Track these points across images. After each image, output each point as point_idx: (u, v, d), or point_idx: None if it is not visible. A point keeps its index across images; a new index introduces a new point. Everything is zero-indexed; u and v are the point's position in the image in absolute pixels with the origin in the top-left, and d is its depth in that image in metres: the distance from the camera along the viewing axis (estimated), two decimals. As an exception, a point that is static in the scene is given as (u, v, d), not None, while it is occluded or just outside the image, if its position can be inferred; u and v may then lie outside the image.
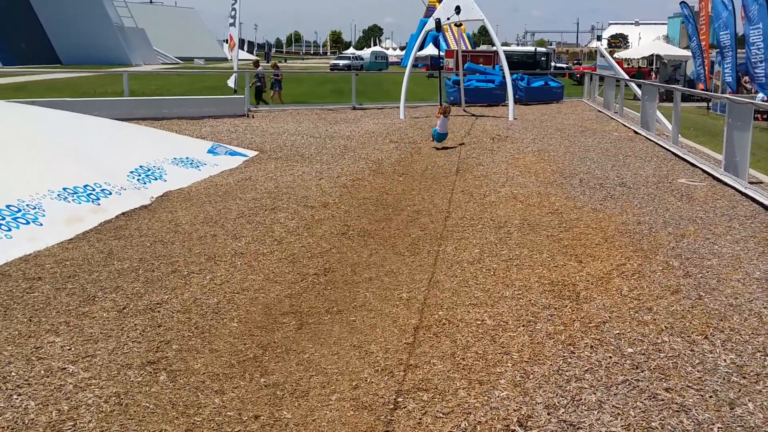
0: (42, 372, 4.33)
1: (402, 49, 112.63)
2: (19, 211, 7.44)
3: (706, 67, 26.58)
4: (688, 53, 34.05)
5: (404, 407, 3.91)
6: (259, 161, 12.06)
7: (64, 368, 4.39)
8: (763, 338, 4.78)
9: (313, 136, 15.32)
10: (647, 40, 64.72)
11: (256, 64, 24.38)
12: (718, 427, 3.64)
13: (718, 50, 24.89)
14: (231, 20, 23.00)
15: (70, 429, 3.67)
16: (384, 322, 5.17)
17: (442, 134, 13.94)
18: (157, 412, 3.87)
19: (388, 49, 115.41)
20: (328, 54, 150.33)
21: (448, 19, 19.69)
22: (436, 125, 14.10)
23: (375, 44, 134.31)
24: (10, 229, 7.04)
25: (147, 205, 8.69)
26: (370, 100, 24.23)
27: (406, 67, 21.91)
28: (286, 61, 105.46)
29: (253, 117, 18.87)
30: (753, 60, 19.94)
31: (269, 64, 24.88)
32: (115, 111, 16.27)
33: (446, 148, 13.69)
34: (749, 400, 3.92)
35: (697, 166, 11.57)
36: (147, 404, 3.95)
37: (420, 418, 3.78)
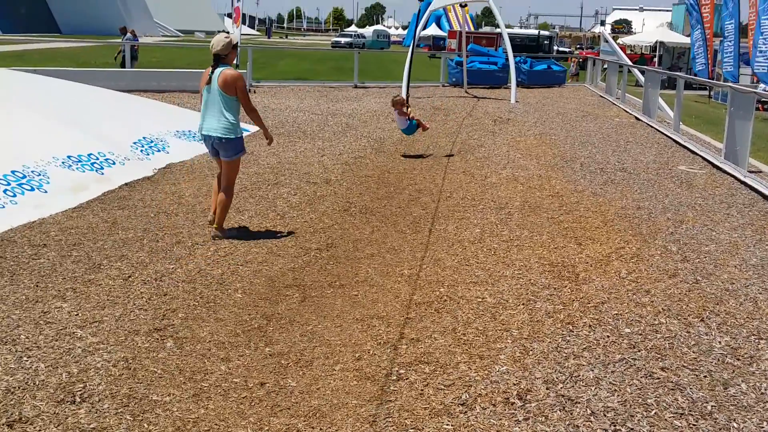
0: (51, 336, 4.41)
1: (404, 28, 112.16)
2: (24, 177, 7.49)
3: (709, 57, 26.55)
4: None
5: (407, 378, 4.00)
6: (261, 136, 12.07)
7: (73, 333, 4.47)
8: (758, 322, 4.87)
9: (314, 113, 15.35)
10: (651, 27, 64.52)
11: (123, 30, 22.95)
12: (712, 405, 3.74)
13: (721, 39, 24.87)
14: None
15: (80, 390, 3.76)
16: (386, 297, 5.26)
17: (402, 129, 11.20)
18: (164, 376, 3.96)
19: (390, 27, 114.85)
20: (330, 31, 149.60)
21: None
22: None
23: (377, 22, 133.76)
24: (15, 195, 7.11)
25: (150, 176, 8.75)
26: (372, 78, 24.21)
27: (408, 46, 21.90)
28: (287, 37, 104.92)
29: (254, 92, 18.86)
30: (760, 50, 19.91)
31: (129, 32, 22.73)
32: (117, 82, 16.25)
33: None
34: (742, 381, 4.02)
35: (697, 154, 11.65)
36: (155, 369, 4.04)
37: (422, 390, 3.87)
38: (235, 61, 22.75)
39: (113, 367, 4.03)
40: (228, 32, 6.60)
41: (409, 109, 11.05)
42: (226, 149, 6.40)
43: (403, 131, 11.24)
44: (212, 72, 6.31)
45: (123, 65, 20.97)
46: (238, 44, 6.49)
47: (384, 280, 5.62)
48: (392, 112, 11.61)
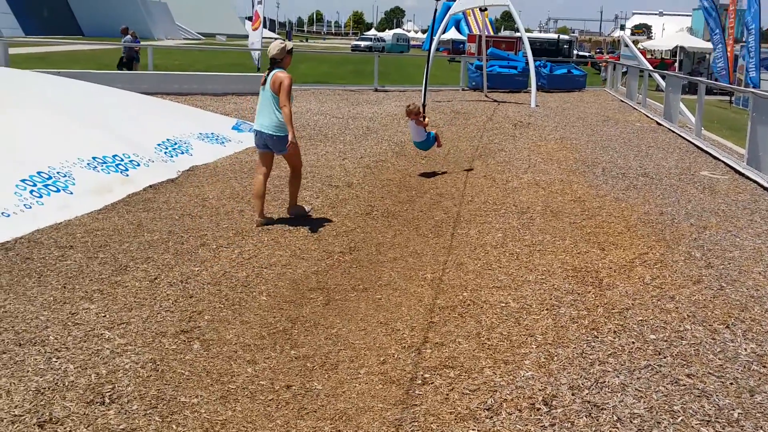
0: (79, 337, 4.47)
1: (423, 32, 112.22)
2: (50, 178, 7.57)
3: (729, 62, 26.37)
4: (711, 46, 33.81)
5: (431, 383, 4.02)
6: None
7: (101, 334, 4.52)
8: (784, 330, 4.85)
9: (335, 116, 15.41)
10: (671, 31, 64.19)
11: (125, 31, 22.28)
12: (738, 413, 3.73)
13: (742, 44, 24.71)
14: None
15: (109, 392, 3.81)
16: (409, 301, 5.28)
17: (417, 142, 10.01)
18: (192, 378, 4.00)
19: (409, 31, 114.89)
20: (350, 35, 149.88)
21: None
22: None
23: (397, 26, 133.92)
24: (41, 196, 7.19)
25: (174, 178, 8.82)
26: (392, 82, 24.24)
27: (427, 50, 21.92)
28: (307, 41, 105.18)
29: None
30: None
31: (130, 33, 21.95)
32: (140, 85, 16.38)
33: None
34: (769, 389, 4.00)
35: (719, 159, 11.57)
36: (182, 371, 4.08)
37: (447, 394, 3.89)
38: (257, 64, 22.82)
39: (141, 369, 4.08)
40: (283, 39, 7.41)
41: (427, 120, 9.86)
42: (278, 145, 6.97)
43: (417, 144, 9.98)
44: (267, 75, 6.94)
45: (120, 67, 20.92)
46: (293, 50, 7.25)
47: (407, 283, 5.64)
48: (407, 122, 10.10)
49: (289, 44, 7.17)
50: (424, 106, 10.31)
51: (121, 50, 21.85)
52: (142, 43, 24.44)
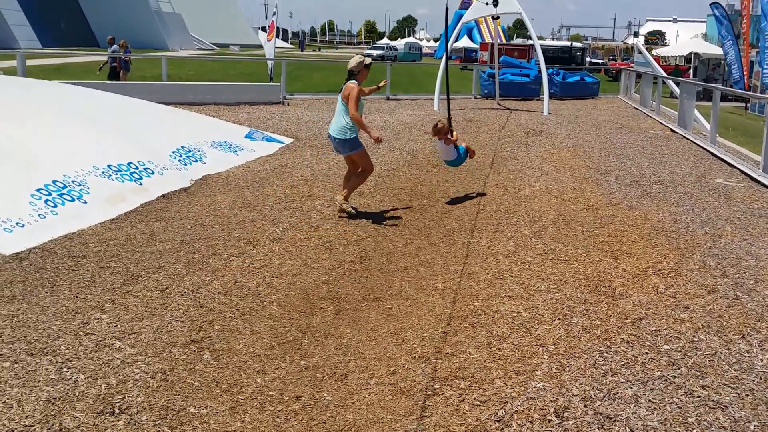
0: (90, 347, 4.47)
1: (436, 40, 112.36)
2: (65, 187, 7.60)
3: (744, 67, 26.21)
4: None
5: (442, 394, 3.99)
6: (295, 148, 12.18)
7: (111, 344, 4.52)
8: (800, 340, 4.78)
9: (348, 126, 15.38)
10: (685, 38, 63.87)
11: (111, 41, 22.21)
12: (755, 425, 3.67)
13: (758, 50, 24.55)
14: (275, 9, 23.23)
15: (119, 402, 3.80)
16: (420, 310, 5.25)
17: (449, 161, 9.27)
18: (201, 389, 3.99)
19: (422, 40, 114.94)
20: (362, 44, 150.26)
21: (487, 3, 19.44)
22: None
23: (409, 35, 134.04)
24: (56, 206, 7.22)
25: (187, 187, 8.84)
26: (404, 91, 24.26)
27: (440, 58, 21.89)
28: (320, 50, 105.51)
29: (288, 104, 19.01)
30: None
31: (119, 44, 21.78)
32: (154, 95, 16.40)
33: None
34: (785, 401, 3.94)
35: (735, 167, 11.48)
36: (192, 381, 4.07)
37: (457, 405, 3.85)
38: (269, 74, 22.93)
39: (151, 379, 4.08)
40: (365, 56, 8.10)
41: (456, 134, 8.99)
42: (342, 147, 7.75)
43: (449, 163, 9.30)
44: (344, 84, 7.67)
45: (110, 77, 20.90)
46: (371, 65, 7.88)
47: (418, 293, 5.62)
48: (434, 141, 9.44)
49: (368, 59, 7.86)
50: (450, 119, 9.35)
51: (109, 60, 21.76)
52: (157, 54, 24.52)
